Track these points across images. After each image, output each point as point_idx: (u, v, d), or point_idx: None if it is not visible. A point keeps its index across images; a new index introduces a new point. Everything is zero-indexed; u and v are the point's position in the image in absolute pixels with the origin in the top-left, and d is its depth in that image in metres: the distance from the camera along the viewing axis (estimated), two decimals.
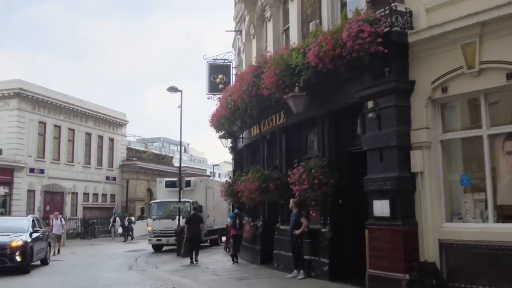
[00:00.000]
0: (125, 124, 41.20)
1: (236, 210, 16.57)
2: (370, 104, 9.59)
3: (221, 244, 25.04)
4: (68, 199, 33.93)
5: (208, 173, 57.60)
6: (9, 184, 29.62)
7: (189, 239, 17.15)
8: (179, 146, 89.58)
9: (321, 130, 11.97)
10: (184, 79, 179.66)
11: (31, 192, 31.04)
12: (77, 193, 35.02)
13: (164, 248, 23.09)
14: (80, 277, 13.58)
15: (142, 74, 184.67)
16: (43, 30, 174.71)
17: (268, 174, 13.56)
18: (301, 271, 11.63)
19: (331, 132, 11.63)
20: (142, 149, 46.69)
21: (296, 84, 11.27)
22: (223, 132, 18.14)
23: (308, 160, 11.92)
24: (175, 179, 26.02)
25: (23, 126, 30.42)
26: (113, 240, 31.04)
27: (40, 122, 31.99)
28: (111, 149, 39.40)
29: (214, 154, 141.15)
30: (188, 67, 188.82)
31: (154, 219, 22.91)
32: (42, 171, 31.87)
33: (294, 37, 13.20)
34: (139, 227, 32.85)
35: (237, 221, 16.31)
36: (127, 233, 31.85)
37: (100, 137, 38.09)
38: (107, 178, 38.38)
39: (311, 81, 10.89)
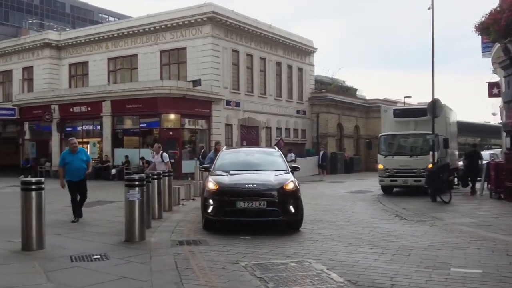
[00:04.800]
0: (313, 52, 37.24)
1: None
2: None
3: (455, 187, 20.22)
4: (262, 134, 31.54)
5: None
6: (207, 117, 27.83)
7: (469, 172, 18.24)
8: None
9: None
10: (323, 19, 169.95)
11: (228, 126, 29.06)
12: (270, 127, 32.45)
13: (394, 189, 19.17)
14: (358, 230, 10.03)
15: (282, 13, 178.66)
16: None
17: None
18: None
19: None
20: (327, 80, 42.62)
21: None
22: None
23: None
24: (405, 106, 21.58)
25: (217, 55, 28.09)
26: None
27: (233, 50, 29.42)
28: (300, 80, 35.96)
29: (369, 90, 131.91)
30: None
31: (385, 156, 18.79)
32: (237, 104, 29.63)
33: None
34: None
35: None
36: None
37: (290, 67, 34.73)
38: (298, 112, 35.26)
39: None
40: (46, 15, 79.90)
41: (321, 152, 29.11)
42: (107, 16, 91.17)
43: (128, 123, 28.11)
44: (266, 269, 6.56)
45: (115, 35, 31.31)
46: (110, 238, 9.03)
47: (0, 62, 36.80)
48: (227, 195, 9.33)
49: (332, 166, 33.95)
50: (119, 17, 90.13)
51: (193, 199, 16.45)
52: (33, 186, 7.84)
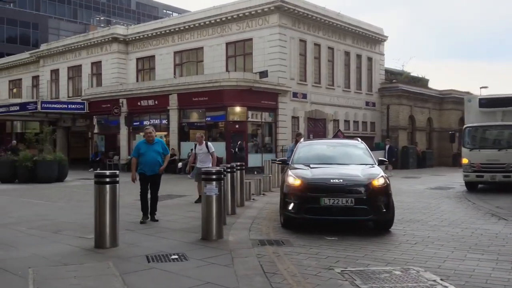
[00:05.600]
0: (383, 41, 35.49)
1: None
2: None
3: None
4: (330, 127, 30.39)
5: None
6: (274, 110, 27.05)
7: None
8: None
9: None
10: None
11: (295, 119, 28.15)
12: (338, 120, 31.22)
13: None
14: (457, 231, 8.85)
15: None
16: None
17: None
18: None
19: None
20: (397, 70, 40.65)
21: None
22: None
23: None
24: (492, 95, 19.82)
25: (284, 45, 27.19)
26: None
27: (300, 40, 28.42)
28: (370, 70, 34.38)
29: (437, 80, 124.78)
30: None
31: (471, 150, 17.24)
32: (304, 96, 28.64)
33: None
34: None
35: None
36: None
37: (359, 56, 33.25)
38: (367, 103, 33.74)
39: None
40: (113, 12, 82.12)
41: (387, 146, 27.49)
42: (171, 12, 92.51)
43: (194, 116, 27.83)
44: (367, 278, 5.67)
45: (181, 28, 31.13)
46: (185, 235, 8.44)
47: (70, 57, 37.74)
48: (310, 191, 8.48)
49: (403, 160, 32.29)
50: (183, 13, 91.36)
51: (263, 194, 15.78)
52: (107, 179, 7.31)
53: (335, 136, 26.33)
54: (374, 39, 34.31)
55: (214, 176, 7.97)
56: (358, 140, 11.09)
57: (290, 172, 9.14)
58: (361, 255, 6.89)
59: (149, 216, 9.91)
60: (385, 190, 8.62)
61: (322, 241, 7.84)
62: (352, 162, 9.76)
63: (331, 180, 8.52)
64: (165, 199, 13.81)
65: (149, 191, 9.88)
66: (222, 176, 8.19)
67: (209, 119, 26.73)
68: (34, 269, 5.99)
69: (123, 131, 30.49)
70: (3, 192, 16.10)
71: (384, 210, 8.50)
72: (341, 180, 8.52)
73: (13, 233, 8.66)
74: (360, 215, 8.48)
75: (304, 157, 10.09)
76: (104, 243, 7.30)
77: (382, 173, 8.92)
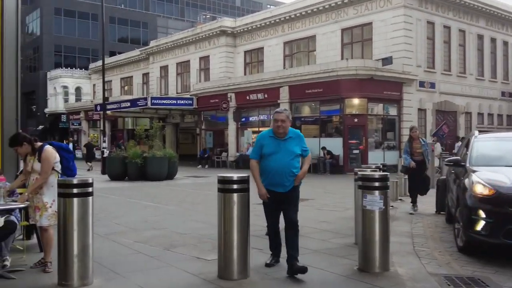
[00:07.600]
0: None
1: None
2: None
3: None
4: (461, 120, 26.74)
5: None
6: (397, 101, 24.09)
7: None
8: None
9: None
10: None
11: (421, 112, 24.94)
12: (470, 113, 27.43)
13: None
14: None
15: None
16: None
17: None
18: None
19: None
20: None
21: None
22: None
23: None
24: None
25: (410, 29, 24.10)
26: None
27: (428, 22, 25.13)
28: (505, 55, 30.03)
29: None
30: None
31: None
32: (432, 85, 25.31)
33: None
34: None
35: None
36: None
37: (493, 40, 29.07)
38: (502, 93, 29.48)
39: None
40: (218, 9, 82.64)
41: None
42: (274, 7, 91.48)
43: (306, 110, 25.67)
44: None
45: (292, 16, 29.13)
46: (330, 260, 6.27)
47: (178, 53, 37.38)
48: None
49: None
50: None
51: (400, 199, 13.22)
52: (235, 186, 5.32)
53: (440, 129, 22.67)
54: (510, 20, 29.81)
55: (377, 184, 5.70)
56: None
57: (475, 177, 6.56)
58: None
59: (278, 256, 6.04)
60: None
61: None
62: None
63: None
64: None
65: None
66: (388, 183, 5.89)
67: (323, 112, 24.38)
68: None
69: (231, 127, 29.17)
70: (112, 191, 15.10)
71: None
72: None
73: (117, 249, 7.03)
74: None
75: (487, 156, 7.45)
76: (231, 272, 5.34)
77: None
